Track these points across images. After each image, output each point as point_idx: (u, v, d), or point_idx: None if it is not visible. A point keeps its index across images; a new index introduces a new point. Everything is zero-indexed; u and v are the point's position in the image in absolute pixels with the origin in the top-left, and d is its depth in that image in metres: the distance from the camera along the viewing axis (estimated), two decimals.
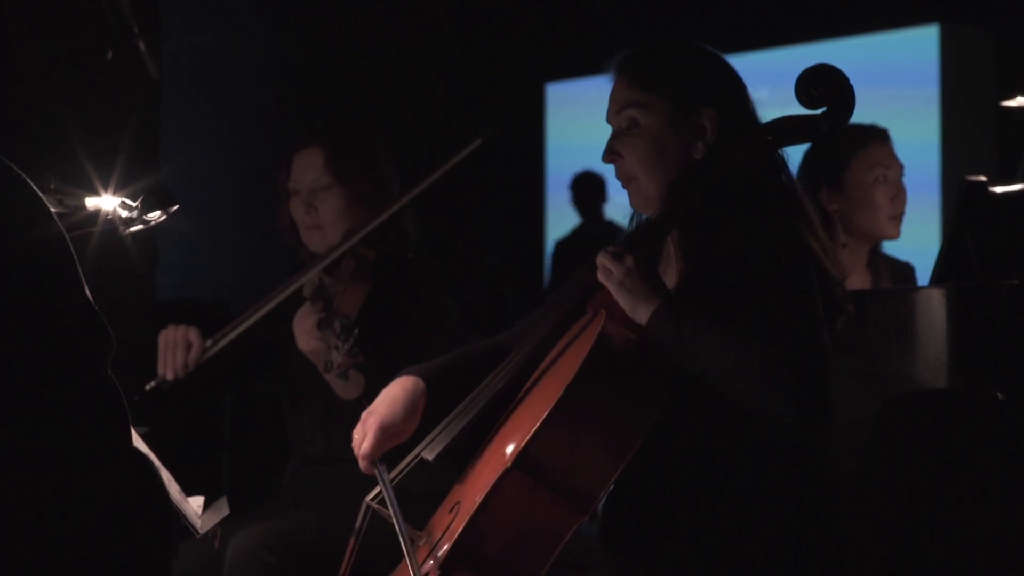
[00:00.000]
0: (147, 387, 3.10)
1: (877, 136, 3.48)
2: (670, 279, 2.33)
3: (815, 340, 2.15)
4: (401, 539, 2.23)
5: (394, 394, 2.41)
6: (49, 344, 1.66)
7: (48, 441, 1.65)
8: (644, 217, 2.41)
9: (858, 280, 3.46)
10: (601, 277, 2.25)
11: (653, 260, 2.35)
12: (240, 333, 3.10)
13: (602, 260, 2.25)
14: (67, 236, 1.69)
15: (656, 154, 2.31)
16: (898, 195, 3.45)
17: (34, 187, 1.70)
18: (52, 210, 1.70)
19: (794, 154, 3.46)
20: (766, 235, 2.25)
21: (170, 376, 3.07)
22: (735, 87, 2.36)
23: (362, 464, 2.38)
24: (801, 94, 2.26)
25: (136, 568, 1.68)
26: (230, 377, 3.30)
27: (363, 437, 2.38)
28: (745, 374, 2.13)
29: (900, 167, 3.48)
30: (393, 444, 2.40)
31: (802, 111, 2.29)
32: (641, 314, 2.21)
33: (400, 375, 2.46)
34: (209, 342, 3.08)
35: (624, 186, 2.37)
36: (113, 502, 1.68)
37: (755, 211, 2.29)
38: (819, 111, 2.27)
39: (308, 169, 3.18)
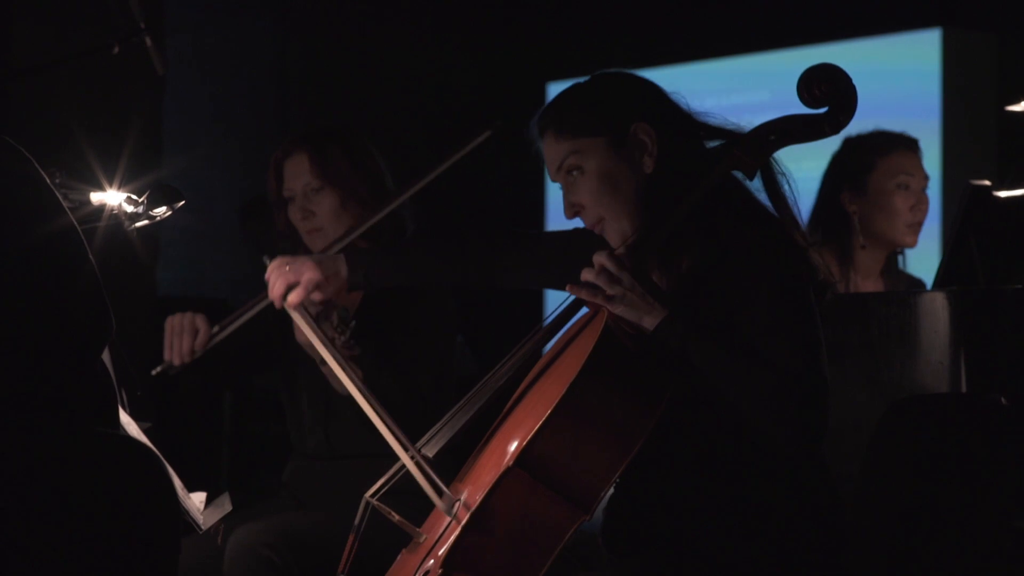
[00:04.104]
0: (153, 372, 3.09)
1: (904, 144, 3.51)
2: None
3: (820, 369, 2.15)
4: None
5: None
6: (48, 335, 1.66)
7: (49, 434, 1.65)
8: None
9: (871, 286, 3.47)
10: (589, 297, 2.22)
11: (647, 270, 2.32)
12: (246, 321, 3.09)
13: (598, 282, 2.21)
14: (78, 227, 1.69)
15: (610, 187, 2.32)
16: (918, 204, 3.49)
17: (45, 178, 1.71)
18: (63, 202, 1.70)
19: (823, 156, 3.51)
20: (764, 246, 2.24)
21: (177, 361, 3.05)
22: (652, 92, 2.37)
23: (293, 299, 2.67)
24: (804, 93, 2.26)
25: (145, 562, 1.68)
26: (234, 366, 3.29)
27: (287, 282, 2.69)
28: (751, 398, 2.14)
29: (925, 178, 3.51)
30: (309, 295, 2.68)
31: (804, 111, 2.29)
32: (647, 324, 2.20)
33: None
34: (216, 328, 3.07)
35: (598, 232, 2.36)
36: (120, 496, 1.68)
37: (749, 216, 2.29)
38: (821, 111, 2.27)
39: (298, 175, 3.22)
